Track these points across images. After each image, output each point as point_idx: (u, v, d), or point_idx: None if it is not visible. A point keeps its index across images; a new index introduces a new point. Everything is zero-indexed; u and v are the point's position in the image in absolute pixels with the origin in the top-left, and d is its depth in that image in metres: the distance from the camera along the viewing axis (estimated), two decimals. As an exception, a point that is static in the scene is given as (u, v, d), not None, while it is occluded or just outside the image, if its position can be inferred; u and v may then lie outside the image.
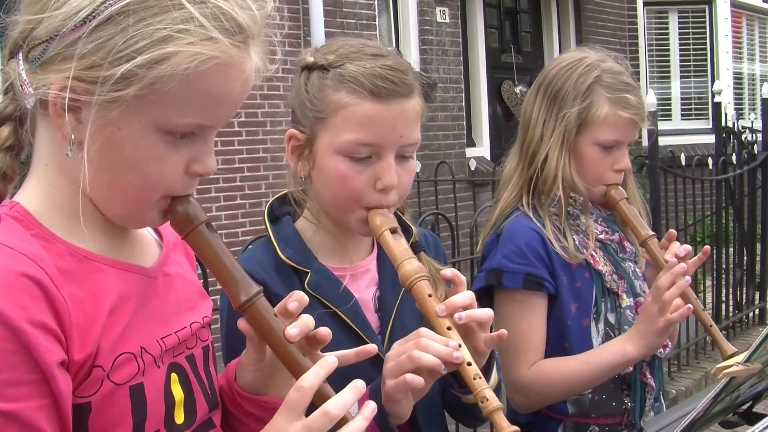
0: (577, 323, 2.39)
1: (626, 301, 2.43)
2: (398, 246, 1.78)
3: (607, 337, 2.38)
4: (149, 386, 1.35)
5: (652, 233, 2.37)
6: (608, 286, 2.41)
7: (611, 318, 2.40)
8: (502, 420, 1.62)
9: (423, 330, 1.69)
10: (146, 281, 1.41)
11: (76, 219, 1.31)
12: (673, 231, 2.43)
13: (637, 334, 2.25)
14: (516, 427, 1.61)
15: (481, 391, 1.64)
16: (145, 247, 1.48)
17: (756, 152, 7.96)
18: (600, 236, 2.45)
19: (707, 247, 2.43)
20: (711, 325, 2.29)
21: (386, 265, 1.96)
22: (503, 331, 1.84)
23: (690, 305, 2.22)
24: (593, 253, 2.41)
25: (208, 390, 1.50)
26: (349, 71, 1.82)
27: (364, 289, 1.96)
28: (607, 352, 2.30)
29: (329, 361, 1.34)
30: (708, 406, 1.67)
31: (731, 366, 1.71)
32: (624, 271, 2.45)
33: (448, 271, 1.80)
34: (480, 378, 1.66)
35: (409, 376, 1.63)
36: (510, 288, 2.36)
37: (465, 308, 1.72)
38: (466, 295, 1.74)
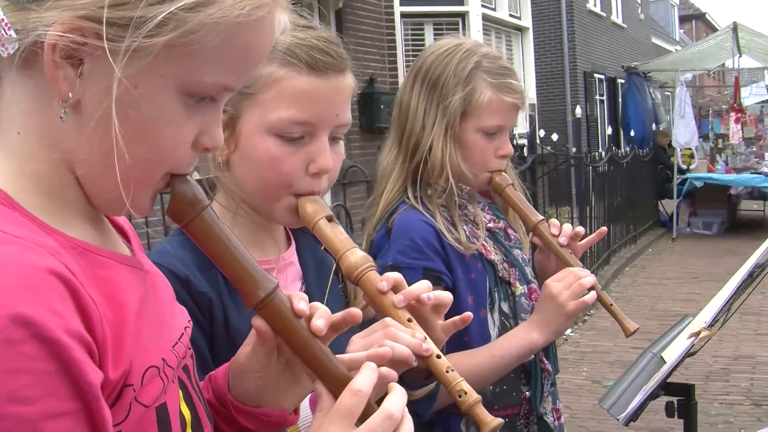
0: (474, 315, 2.28)
1: (520, 288, 2.39)
2: (337, 235, 1.61)
3: (503, 327, 2.33)
4: (171, 406, 1.08)
5: (542, 218, 2.35)
6: (500, 275, 2.36)
7: (505, 307, 2.35)
8: (484, 414, 1.51)
9: (389, 320, 1.53)
10: (144, 277, 1.13)
11: (61, 202, 1.03)
12: (580, 230, 2.39)
13: (542, 320, 2.22)
14: (501, 420, 1.51)
15: (457, 385, 1.52)
16: (116, 235, 1.18)
17: (525, 155, 8.43)
18: (489, 225, 2.40)
19: (603, 228, 2.45)
20: (612, 304, 2.26)
21: (307, 259, 1.82)
22: (468, 313, 1.72)
23: (594, 290, 2.22)
24: (484, 243, 2.34)
25: (206, 406, 1.25)
26: (281, 42, 1.62)
27: (290, 283, 1.78)
28: (512, 343, 2.24)
29: (373, 365, 1.18)
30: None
31: (700, 331, 1.76)
32: (514, 259, 2.42)
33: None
34: (453, 371, 1.53)
35: (385, 370, 1.45)
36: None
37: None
38: (424, 284, 1.63)
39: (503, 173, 2.38)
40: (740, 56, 17.47)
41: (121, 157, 0.99)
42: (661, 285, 12.05)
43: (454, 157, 2.29)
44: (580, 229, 2.35)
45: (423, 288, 1.62)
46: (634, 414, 1.97)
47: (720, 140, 18.20)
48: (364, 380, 1.12)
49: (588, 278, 2.22)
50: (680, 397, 2.25)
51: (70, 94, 0.97)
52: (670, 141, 16.76)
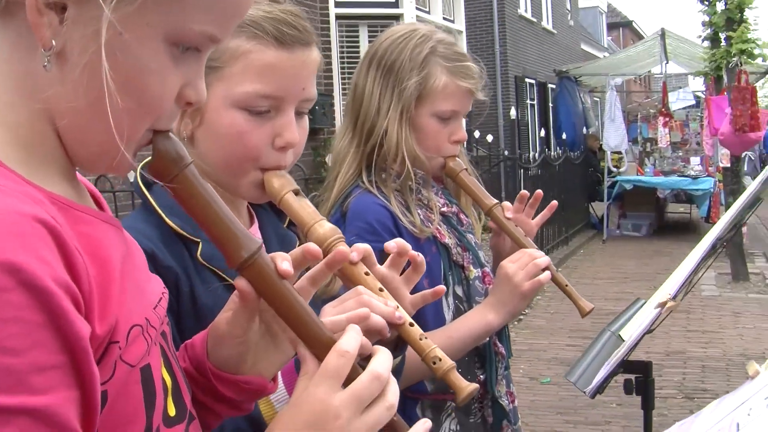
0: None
1: (474, 272, 2.40)
2: (305, 208, 1.60)
3: (457, 311, 2.33)
4: (154, 369, 1.05)
5: (497, 201, 2.38)
6: (454, 259, 2.36)
7: (459, 291, 2.35)
8: (459, 379, 1.51)
9: (361, 288, 1.52)
10: (123, 236, 1.10)
11: (40, 156, 0.99)
12: (524, 193, 2.45)
13: (498, 301, 2.24)
14: (476, 384, 1.51)
15: (431, 352, 1.51)
16: (89, 196, 1.14)
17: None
18: (443, 209, 2.41)
19: (554, 202, 2.48)
20: (566, 285, 2.30)
21: (270, 235, 1.82)
22: (441, 287, 1.72)
23: (548, 270, 2.25)
24: (438, 227, 2.35)
25: (184, 374, 1.22)
26: (248, 15, 1.60)
27: None
28: (469, 324, 2.25)
29: (357, 327, 1.16)
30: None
31: (666, 302, 1.81)
32: (468, 243, 2.42)
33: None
34: (426, 338, 1.53)
35: (364, 340, 1.45)
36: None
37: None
38: (402, 242, 1.65)
39: (457, 158, 2.39)
40: (667, 62, 17.84)
41: (113, 103, 0.96)
42: (593, 285, 12.23)
43: (409, 141, 2.29)
44: (524, 192, 2.40)
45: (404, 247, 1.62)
46: (600, 387, 2.00)
47: (648, 144, 18.57)
48: (350, 341, 1.10)
49: (542, 258, 2.25)
50: (638, 374, 2.29)
51: (54, 42, 0.94)
52: (601, 145, 17.05)
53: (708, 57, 13.06)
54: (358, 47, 12.67)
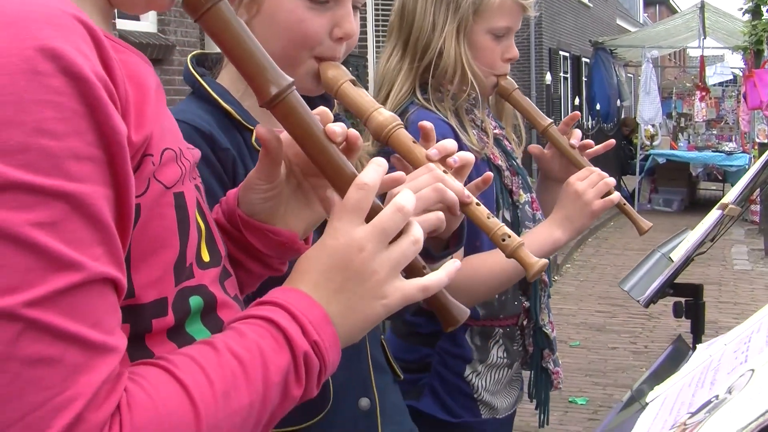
0: None
1: (524, 197, 2.36)
2: (363, 97, 1.56)
3: None
4: (189, 201, 1.01)
5: (551, 120, 2.31)
6: (504, 182, 2.31)
7: (507, 216, 2.29)
8: (529, 256, 1.47)
9: (432, 164, 1.47)
10: (156, 76, 1.07)
11: None
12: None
13: (566, 218, 2.18)
14: (545, 260, 1.48)
15: (499, 230, 1.48)
16: None
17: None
18: (495, 131, 2.34)
19: (612, 140, 2.43)
20: (625, 204, 2.25)
21: None
22: (489, 174, 1.67)
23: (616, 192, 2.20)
24: (493, 148, 2.28)
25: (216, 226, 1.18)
26: None
27: None
28: (536, 241, 2.19)
29: (380, 159, 1.09)
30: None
31: (728, 205, 1.78)
32: (517, 167, 2.37)
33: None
34: (493, 217, 1.49)
35: (441, 214, 1.39)
36: None
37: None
38: (451, 141, 1.57)
39: (509, 77, 2.33)
40: (705, 38, 17.59)
41: None
42: (623, 255, 12.14)
43: (468, 58, 2.23)
44: (589, 141, 2.32)
45: (453, 145, 1.57)
46: (653, 297, 1.95)
47: (683, 119, 18.36)
48: (370, 173, 1.05)
49: (611, 179, 2.20)
50: (688, 298, 2.23)
51: None
52: (635, 118, 16.89)
53: (749, 30, 12.84)
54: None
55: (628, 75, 23.74)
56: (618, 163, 17.32)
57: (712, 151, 16.31)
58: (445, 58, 2.21)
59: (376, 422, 1.77)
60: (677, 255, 2.13)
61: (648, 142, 16.58)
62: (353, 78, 1.59)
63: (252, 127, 1.62)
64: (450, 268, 1.08)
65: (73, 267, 0.78)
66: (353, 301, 1.01)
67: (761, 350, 0.99)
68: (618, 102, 18.55)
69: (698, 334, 2.29)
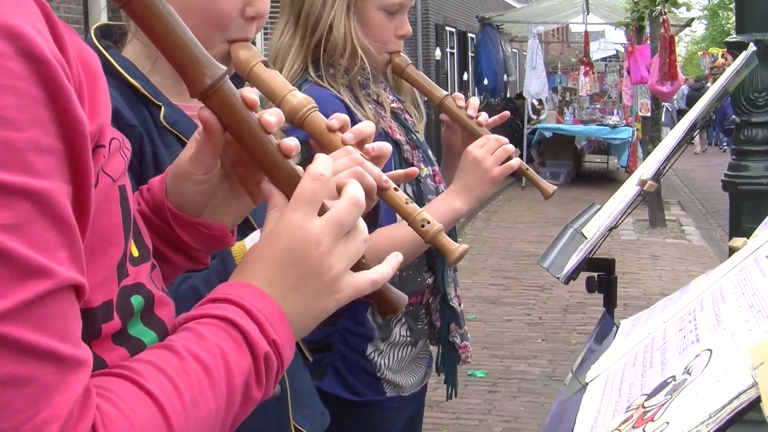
0: None
1: (425, 170, 2.33)
2: (275, 79, 1.51)
3: None
4: (129, 193, 0.94)
5: (447, 93, 2.29)
6: (404, 156, 2.28)
7: (409, 191, 2.27)
8: (449, 242, 1.45)
9: (351, 147, 1.43)
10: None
11: None
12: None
13: (465, 187, 2.15)
14: (466, 246, 1.45)
15: (418, 215, 1.43)
16: None
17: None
18: (392, 105, 2.31)
19: (506, 112, 2.42)
20: (527, 169, 2.25)
21: None
22: (413, 168, 1.64)
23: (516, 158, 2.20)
24: (390, 123, 2.25)
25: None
26: None
27: None
28: (436, 212, 2.14)
29: (325, 155, 1.06)
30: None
31: (646, 181, 1.80)
32: (417, 140, 2.35)
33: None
34: (412, 202, 1.45)
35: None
36: None
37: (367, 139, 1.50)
38: (369, 125, 1.51)
39: (402, 54, 2.30)
40: (588, 13, 17.95)
41: None
42: (513, 228, 12.35)
43: (358, 34, 2.19)
44: (484, 115, 2.31)
45: (369, 129, 1.52)
46: (572, 275, 1.95)
47: (568, 93, 18.75)
48: (323, 164, 1.01)
49: (510, 145, 2.18)
50: (600, 272, 2.24)
51: None
52: (521, 92, 17.13)
53: (631, 6, 13.15)
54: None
55: (513, 50, 24.07)
56: (505, 135, 17.47)
57: (597, 125, 16.71)
58: (335, 33, 2.17)
59: (287, 408, 1.72)
60: (590, 230, 2.14)
61: (534, 116, 16.87)
62: (265, 59, 1.54)
63: (160, 104, 1.57)
64: (393, 261, 1.06)
65: (42, 274, 0.71)
66: (309, 297, 0.98)
67: (713, 329, 0.99)
68: (505, 77, 18.80)
69: (611, 308, 2.31)
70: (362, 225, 1.02)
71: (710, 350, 0.91)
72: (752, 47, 2.53)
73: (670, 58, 11.09)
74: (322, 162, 1.01)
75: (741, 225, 4.69)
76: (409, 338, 2.31)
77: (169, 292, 1.11)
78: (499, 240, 11.58)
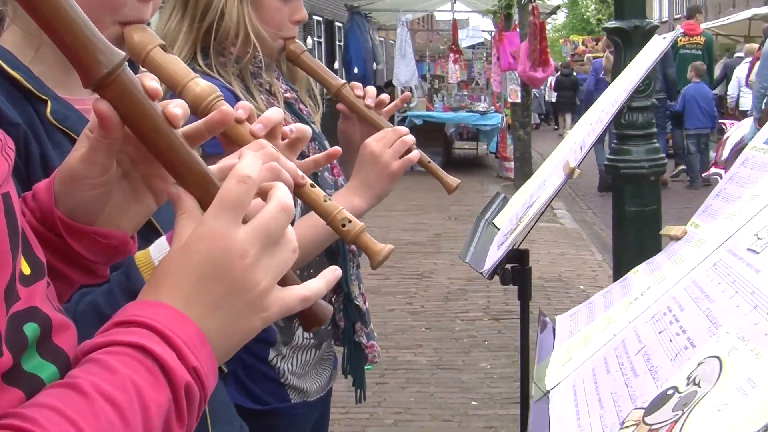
0: None
1: None
2: (176, 65, 1.36)
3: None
4: (15, 202, 0.81)
5: (344, 81, 2.17)
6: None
7: None
8: (373, 242, 1.37)
9: (263, 141, 1.30)
10: None
11: None
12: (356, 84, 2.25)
13: (364, 184, 2.03)
14: (391, 246, 1.40)
15: (338, 214, 1.36)
16: None
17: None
18: (286, 95, 2.19)
19: (407, 93, 2.32)
20: (429, 162, 2.14)
21: None
22: (336, 148, 1.53)
23: (415, 150, 2.07)
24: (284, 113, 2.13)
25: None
26: None
27: None
28: None
29: (252, 152, 0.95)
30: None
31: (574, 169, 1.74)
32: (313, 132, 2.21)
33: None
34: (330, 200, 1.36)
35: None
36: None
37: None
38: (277, 111, 1.41)
39: (297, 40, 2.18)
40: (455, 1, 18.13)
41: None
42: (389, 217, 12.31)
43: (252, 19, 2.06)
44: (385, 96, 2.21)
45: (278, 116, 1.41)
46: (495, 270, 1.87)
47: (437, 81, 18.89)
48: (250, 165, 0.88)
49: (409, 136, 2.07)
50: (514, 264, 2.17)
51: None
52: (390, 80, 17.16)
53: (499, -6, 13.33)
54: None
55: (380, 39, 24.13)
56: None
57: (467, 112, 16.89)
58: (227, 19, 2.03)
59: (206, 424, 1.59)
60: (502, 221, 2.07)
61: (405, 104, 16.93)
62: (163, 43, 1.39)
63: (46, 98, 1.40)
64: (328, 275, 0.96)
65: None
66: (232, 317, 0.86)
67: (711, 332, 0.91)
68: (374, 65, 18.80)
69: (526, 300, 2.25)
70: (291, 233, 0.91)
71: (718, 358, 0.84)
72: (679, 29, 2.51)
73: (541, 44, 11.27)
74: (249, 162, 0.89)
75: (624, 208, 4.76)
76: (312, 340, 2.21)
77: (66, 311, 0.96)
78: (375, 229, 11.52)
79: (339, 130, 2.28)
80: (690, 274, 1.16)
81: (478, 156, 19.05)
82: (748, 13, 19.60)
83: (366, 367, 6.57)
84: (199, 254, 0.84)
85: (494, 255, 1.82)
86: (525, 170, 12.68)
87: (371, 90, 2.16)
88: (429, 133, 16.85)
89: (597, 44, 28.20)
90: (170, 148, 0.91)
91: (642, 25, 4.66)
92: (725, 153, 12.64)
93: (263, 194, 0.92)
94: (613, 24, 4.80)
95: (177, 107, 0.92)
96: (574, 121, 25.34)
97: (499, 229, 2.04)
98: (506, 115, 15.21)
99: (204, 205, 0.91)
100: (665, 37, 2.19)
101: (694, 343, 0.93)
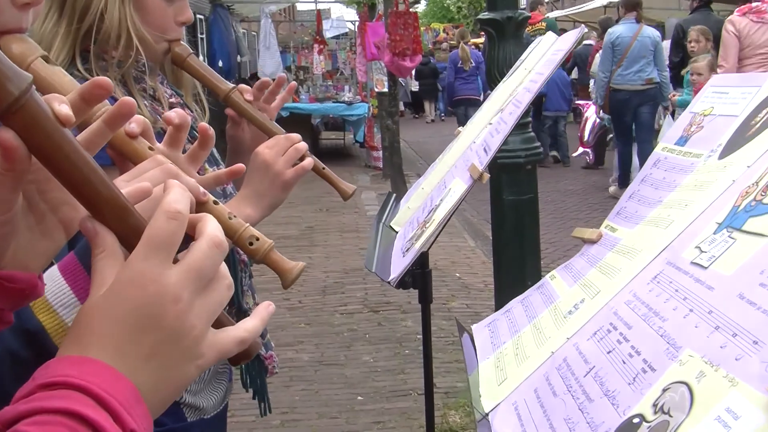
0: None
1: (209, 170, 2.12)
2: (61, 77, 1.30)
3: None
4: None
5: (233, 85, 2.10)
6: None
7: None
8: (283, 260, 1.31)
9: (161, 157, 1.22)
10: None
11: None
12: (266, 80, 2.17)
13: (255, 193, 1.94)
14: (303, 263, 1.34)
15: (245, 231, 1.29)
16: None
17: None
18: (170, 100, 2.10)
19: (293, 83, 2.25)
20: (324, 168, 2.09)
21: None
22: (240, 165, 1.45)
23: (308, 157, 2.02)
24: None
25: None
26: None
27: None
28: None
29: (177, 182, 0.87)
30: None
31: (482, 174, 1.72)
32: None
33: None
34: (235, 217, 1.30)
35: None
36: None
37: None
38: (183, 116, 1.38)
39: (182, 43, 2.09)
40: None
41: None
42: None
43: (134, 21, 1.96)
44: (266, 80, 2.14)
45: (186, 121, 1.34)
46: (405, 275, 1.83)
47: (301, 72, 18.79)
48: (180, 199, 0.82)
49: (302, 143, 2.01)
50: (415, 267, 2.13)
51: None
52: (255, 73, 16.97)
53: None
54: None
55: (243, 30, 23.85)
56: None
57: (333, 102, 16.86)
58: (108, 21, 1.93)
59: None
60: (399, 224, 2.03)
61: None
62: (45, 53, 1.30)
63: None
64: (262, 312, 0.89)
65: None
66: (166, 368, 0.79)
67: (671, 355, 0.88)
68: (238, 58, 18.53)
69: (427, 303, 2.22)
70: (224, 269, 0.84)
71: (686, 384, 0.81)
72: (583, 28, 2.52)
73: (414, 34, 11.33)
74: (178, 196, 0.82)
75: (501, 197, 4.80)
76: None
77: None
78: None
79: (227, 135, 2.20)
80: (628, 286, 1.14)
81: (345, 146, 19.06)
82: (600, 2, 20.19)
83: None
84: (129, 301, 0.77)
85: (400, 262, 1.77)
86: (394, 160, 12.75)
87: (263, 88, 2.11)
88: (295, 125, 16.72)
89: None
90: (86, 181, 0.82)
91: (515, 16, 4.71)
92: (587, 134, 13.13)
93: (191, 228, 0.84)
94: (486, 15, 4.83)
95: (62, 104, 0.82)
96: (436, 108, 25.68)
97: (396, 232, 1.99)
98: (373, 105, 15.24)
99: (123, 239, 0.83)
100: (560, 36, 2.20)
101: (654, 366, 0.90)
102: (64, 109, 0.82)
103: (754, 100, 1.26)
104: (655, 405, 0.83)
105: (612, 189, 11.77)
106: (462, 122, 15.90)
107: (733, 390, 0.74)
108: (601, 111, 11.85)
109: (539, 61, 2.09)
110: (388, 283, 1.94)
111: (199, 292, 0.80)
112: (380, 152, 14.28)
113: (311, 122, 17.23)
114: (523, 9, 4.91)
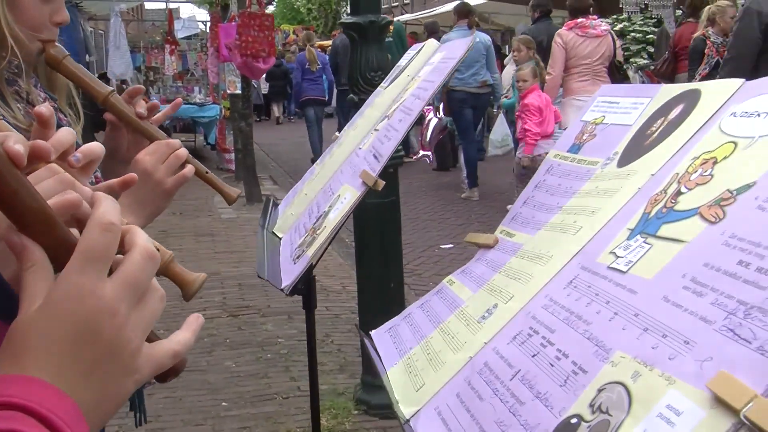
0: None
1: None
2: None
3: None
4: None
5: (112, 89, 2.04)
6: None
7: None
8: (184, 271, 1.30)
9: (54, 166, 1.18)
10: None
11: None
12: (140, 87, 2.12)
13: (137, 202, 1.91)
14: (205, 274, 1.34)
15: None
16: None
17: None
18: (46, 104, 2.02)
19: (179, 99, 2.22)
20: (207, 172, 2.08)
21: None
22: (132, 174, 1.41)
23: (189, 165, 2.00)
24: None
25: None
26: None
27: None
28: None
29: (105, 194, 0.85)
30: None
31: (376, 180, 1.72)
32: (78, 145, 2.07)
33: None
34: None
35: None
36: None
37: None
38: (68, 132, 1.30)
39: (57, 45, 2.02)
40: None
41: None
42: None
43: (7, 18, 1.89)
44: (156, 103, 2.10)
45: (70, 138, 1.29)
46: (299, 282, 1.82)
47: (151, 73, 18.41)
48: (112, 211, 0.81)
49: (182, 150, 1.99)
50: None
51: None
52: (105, 72, 16.49)
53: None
54: None
55: (90, 29, 23.16)
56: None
57: (185, 104, 16.59)
58: None
59: None
60: (282, 230, 2.02)
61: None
62: None
63: None
64: (194, 325, 0.89)
65: None
66: (105, 383, 0.78)
67: (602, 357, 0.91)
68: (87, 57, 17.98)
69: (311, 309, 2.22)
70: (155, 282, 0.84)
71: (623, 384, 0.84)
72: (476, 36, 2.56)
73: (270, 35, 11.27)
74: (110, 207, 0.81)
75: (363, 200, 4.80)
76: None
77: None
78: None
79: (105, 140, 2.14)
80: (543, 291, 1.17)
81: (197, 148, 18.78)
82: (449, 6, 20.61)
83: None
84: (67, 315, 0.75)
85: (292, 270, 1.76)
86: (248, 162, 12.61)
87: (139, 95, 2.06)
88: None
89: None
90: (14, 193, 0.79)
91: (378, 20, 4.76)
92: (428, 137, 13.41)
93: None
94: (349, 19, 4.86)
95: (18, 145, 0.80)
96: (285, 110, 25.62)
97: (280, 238, 1.98)
98: (225, 107, 15.07)
99: (51, 253, 0.81)
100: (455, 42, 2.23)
101: (584, 368, 0.94)
102: (18, 147, 0.81)
103: (647, 110, 1.32)
104: (592, 405, 0.87)
105: (465, 194, 12.12)
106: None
107: (671, 388, 0.78)
108: (440, 111, 12.28)
109: (422, 68, 2.12)
110: (281, 290, 1.93)
111: (135, 305, 0.79)
112: (232, 155, 14.13)
113: (161, 124, 16.91)
114: (385, 15, 4.95)
